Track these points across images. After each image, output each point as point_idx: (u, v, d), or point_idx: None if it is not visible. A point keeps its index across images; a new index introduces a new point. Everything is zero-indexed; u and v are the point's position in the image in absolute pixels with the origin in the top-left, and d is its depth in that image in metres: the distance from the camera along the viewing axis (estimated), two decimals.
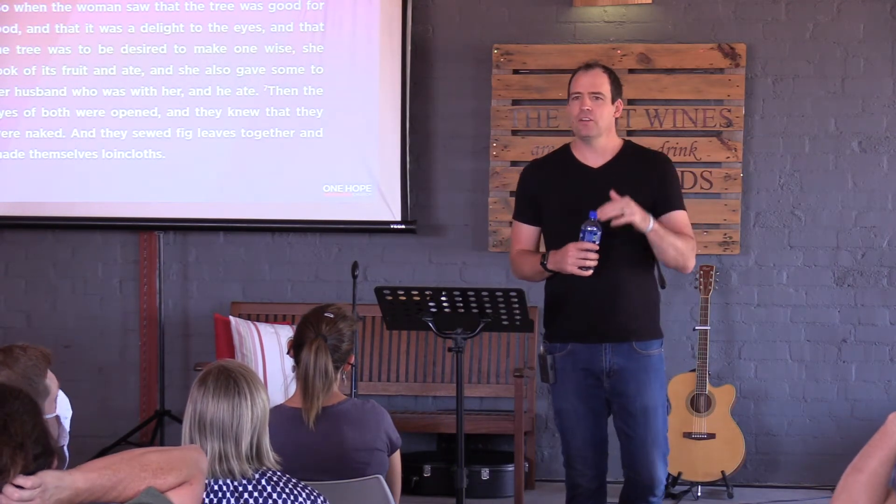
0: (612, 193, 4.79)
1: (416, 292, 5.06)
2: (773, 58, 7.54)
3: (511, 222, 7.57)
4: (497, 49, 7.62)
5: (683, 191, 5.27)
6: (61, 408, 4.13)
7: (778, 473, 7.57)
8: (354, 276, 7.08)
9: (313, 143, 7.64)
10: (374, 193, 7.60)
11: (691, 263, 4.98)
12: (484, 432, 7.35)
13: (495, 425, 7.32)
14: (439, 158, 7.77)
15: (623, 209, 4.76)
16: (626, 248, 4.87)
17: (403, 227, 7.58)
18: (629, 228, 4.82)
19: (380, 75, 7.57)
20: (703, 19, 7.57)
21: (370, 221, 7.63)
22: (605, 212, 4.76)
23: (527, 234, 5.15)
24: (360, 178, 7.61)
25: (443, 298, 5.00)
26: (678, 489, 7.15)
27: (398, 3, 7.54)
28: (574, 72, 5.10)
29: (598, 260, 4.80)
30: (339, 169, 7.63)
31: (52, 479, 2.33)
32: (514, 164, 7.65)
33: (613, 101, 5.00)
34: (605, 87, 4.97)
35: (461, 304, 5.00)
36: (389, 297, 5.07)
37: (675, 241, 4.88)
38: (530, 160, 5.42)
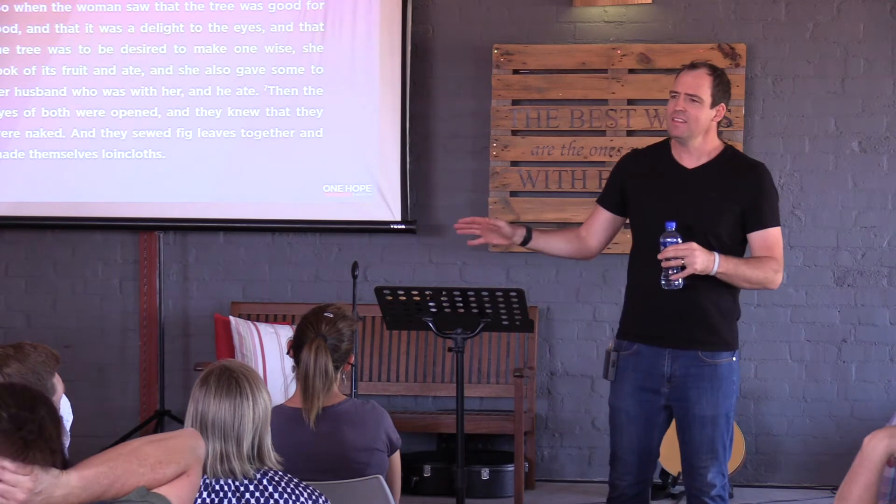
0: (680, 245, 4.65)
1: (416, 292, 5.06)
2: (773, 58, 7.54)
3: (511, 222, 7.60)
4: (497, 49, 7.62)
5: None
6: (63, 410, 4.13)
7: (778, 473, 7.57)
8: (354, 276, 7.08)
9: (313, 143, 7.64)
10: (374, 193, 7.60)
11: (773, 286, 4.90)
12: (484, 432, 7.35)
13: (495, 425, 7.32)
14: (439, 158, 7.77)
15: (685, 258, 4.63)
16: None
17: (403, 227, 7.58)
18: (707, 237, 4.73)
19: (380, 75, 7.57)
20: (703, 19, 7.57)
21: (370, 221, 7.63)
22: (667, 254, 4.64)
23: (599, 218, 5.03)
24: (360, 178, 7.61)
25: (443, 298, 5.00)
26: (678, 489, 7.15)
27: (398, 3, 7.54)
28: (682, 68, 4.97)
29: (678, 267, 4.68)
30: (339, 169, 7.63)
31: (47, 476, 2.33)
32: (514, 164, 7.65)
33: (715, 105, 4.83)
34: (705, 89, 4.80)
35: (461, 304, 5.00)
36: (389, 297, 5.07)
37: (748, 273, 4.77)
38: (632, 149, 5.25)
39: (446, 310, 5.02)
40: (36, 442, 2.32)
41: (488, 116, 7.67)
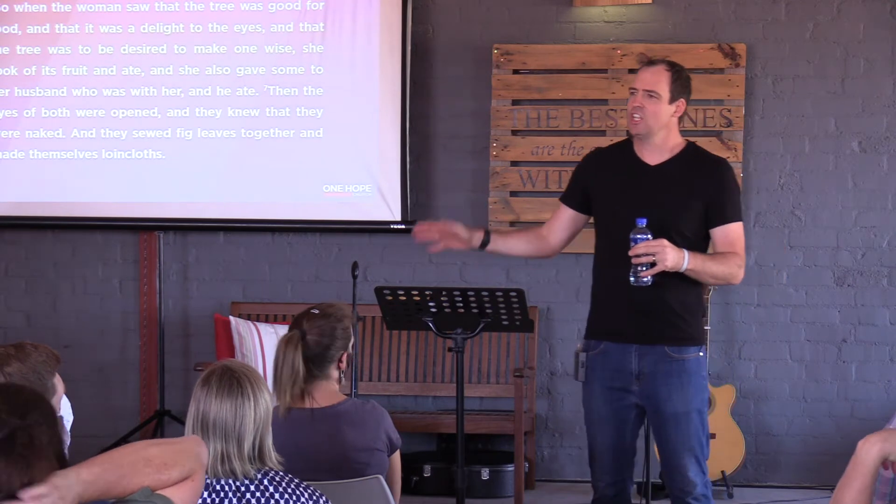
0: (651, 241, 4.65)
1: (416, 292, 5.06)
2: (773, 58, 7.55)
3: (511, 222, 7.61)
4: (497, 49, 7.62)
5: None
6: (64, 410, 4.13)
7: (778, 473, 7.57)
8: (354, 276, 7.08)
9: (313, 143, 7.64)
10: (374, 193, 7.60)
11: (736, 281, 4.90)
12: (484, 432, 7.35)
13: (495, 425, 7.32)
14: (439, 158, 7.77)
15: (656, 255, 4.63)
16: None
17: (403, 227, 7.58)
18: (671, 234, 4.74)
19: (380, 75, 7.57)
20: (703, 19, 7.58)
21: (370, 221, 7.63)
22: (637, 251, 4.63)
23: (562, 216, 5.03)
24: (360, 178, 7.61)
25: (443, 298, 5.00)
26: None
27: (398, 3, 7.54)
28: (640, 66, 5.01)
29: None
30: (339, 169, 7.63)
31: (59, 479, 2.32)
32: (514, 164, 7.66)
33: (674, 101, 4.84)
34: (663, 85, 4.82)
35: (461, 304, 5.00)
36: (389, 297, 5.07)
37: (714, 269, 4.77)
38: (594, 148, 5.29)
39: (446, 310, 5.02)
40: (35, 452, 2.30)
41: (488, 116, 7.67)
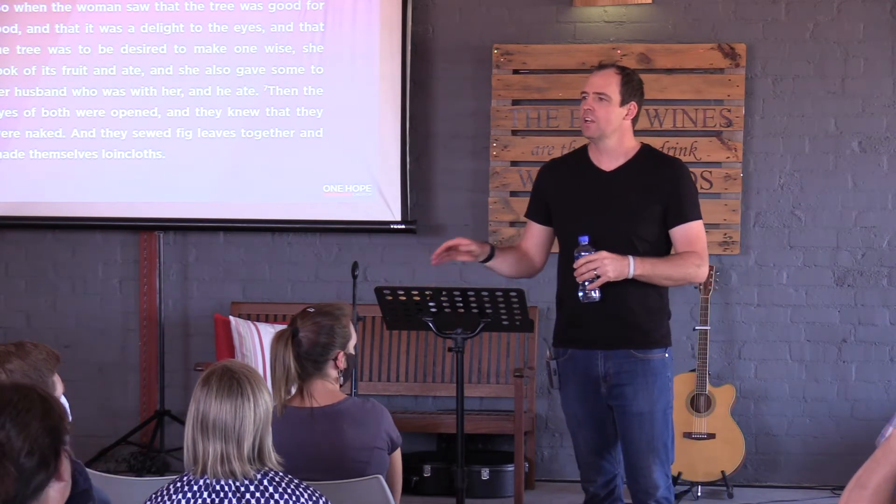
0: (589, 256, 4.70)
1: (416, 292, 5.05)
2: (773, 58, 7.55)
3: (511, 222, 7.61)
4: (497, 49, 7.62)
5: None
6: None
7: (778, 473, 7.57)
8: (354, 276, 7.07)
9: (313, 143, 7.64)
10: (374, 193, 7.60)
11: (698, 280, 4.93)
12: (484, 432, 7.35)
13: (495, 425, 7.32)
14: (439, 158, 7.77)
15: (596, 269, 4.68)
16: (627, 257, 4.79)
17: (403, 227, 7.58)
18: (631, 239, 4.77)
19: (380, 75, 7.57)
20: (703, 19, 7.58)
21: (370, 221, 7.63)
22: (578, 267, 4.68)
23: (534, 232, 5.06)
24: (360, 178, 7.61)
25: (443, 298, 5.00)
26: (678, 489, 7.15)
27: (398, 3, 7.54)
28: (591, 70, 5.03)
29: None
30: (339, 169, 7.63)
31: None
32: (514, 164, 7.66)
33: (625, 103, 4.85)
34: (613, 87, 4.83)
35: (461, 304, 5.00)
36: (389, 297, 5.07)
37: (668, 271, 4.79)
38: (548, 160, 5.34)
39: (446, 310, 5.01)
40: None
41: (488, 116, 7.67)
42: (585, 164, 4.94)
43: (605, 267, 4.68)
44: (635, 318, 4.82)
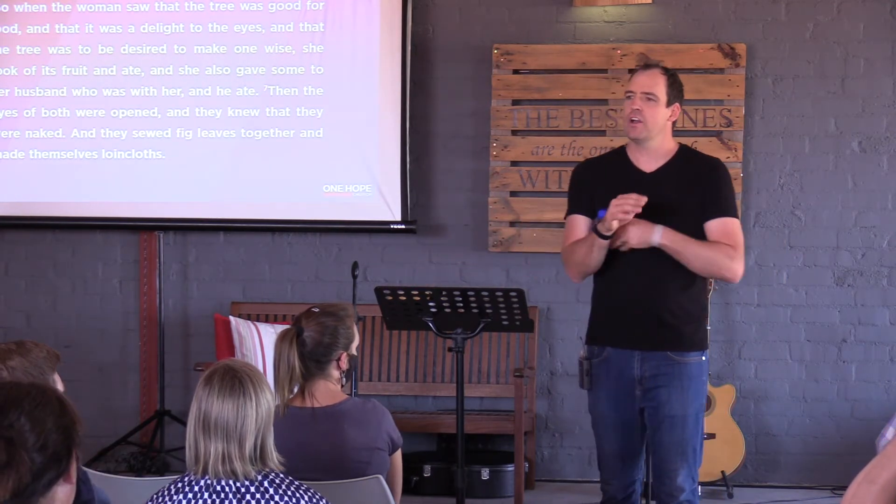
0: (624, 198, 4.66)
1: (416, 292, 5.05)
2: (773, 58, 7.55)
3: (511, 222, 7.60)
4: (497, 49, 7.62)
5: None
6: None
7: (778, 473, 7.57)
8: (354, 276, 7.08)
9: (313, 143, 7.64)
10: (374, 193, 7.60)
11: (731, 274, 4.81)
12: (484, 432, 7.35)
13: (495, 425, 7.32)
14: (439, 158, 7.77)
15: (622, 239, 4.67)
16: (669, 257, 4.73)
17: (403, 227, 7.58)
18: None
19: (380, 75, 7.57)
20: (703, 19, 7.57)
21: (370, 221, 7.63)
22: (618, 204, 4.66)
23: (584, 225, 4.90)
24: (360, 178, 7.62)
25: (443, 298, 5.00)
26: None
27: (398, 3, 7.54)
28: (633, 70, 4.98)
29: (642, 266, 4.72)
30: (339, 169, 7.63)
31: None
32: (514, 164, 7.66)
33: (670, 104, 4.83)
34: (660, 88, 4.79)
35: (461, 304, 5.00)
36: (389, 297, 5.07)
37: (698, 249, 4.74)
38: (585, 159, 5.26)
39: (446, 310, 5.02)
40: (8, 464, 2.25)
41: (488, 116, 7.67)
42: (625, 164, 4.89)
43: (628, 234, 4.67)
44: (674, 319, 4.79)
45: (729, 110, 7.51)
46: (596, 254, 4.76)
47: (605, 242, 4.72)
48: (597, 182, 4.90)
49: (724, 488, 7.19)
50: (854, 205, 7.53)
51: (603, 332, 4.87)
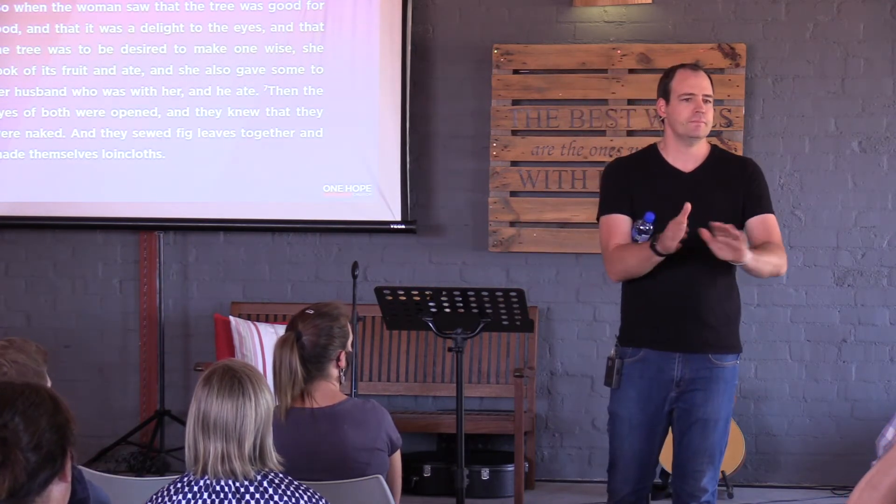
0: (723, 226, 4.58)
1: (416, 292, 5.05)
2: (773, 58, 7.55)
3: (511, 222, 7.60)
4: (497, 49, 7.62)
5: None
6: None
7: (778, 473, 7.57)
8: (354, 276, 7.08)
9: (313, 143, 7.64)
10: (374, 193, 7.60)
11: (784, 271, 4.92)
12: (484, 432, 7.35)
13: (495, 425, 7.32)
14: (439, 158, 7.77)
15: (739, 247, 4.57)
16: (710, 258, 4.66)
17: (403, 227, 7.58)
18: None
19: (380, 75, 7.57)
20: (703, 19, 7.58)
21: (370, 221, 7.63)
22: (723, 234, 4.58)
23: (626, 225, 4.83)
24: (360, 178, 7.61)
25: (443, 298, 5.00)
26: None
27: (398, 3, 7.54)
28: (671, 71, 4.88)
29: (683, 268, 4.68)
30: (339, 169, 7.63)
31: None
32: (514, 164, 7.66)
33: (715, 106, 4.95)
34: (713, 90, 4.87)
35: (461, 304, 5.00)
36: (389, 297, 5.07)
37: (770, 258, 4.76)
38: (615, 158, 5.22)
39: (446, 310, 5.02)
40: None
41: (488, 116, 7.67)
42: (662, 164, 4.87)
43: (719, 252, 4.58)
44: (716, 320, 4.78)
45: (729, 110, 7.51)
46: (649, 267, 4.74)
47: (661, 259, 4.70)
48: (636, 182, 4.86)
49: (725, 488, 7.19)
50: (854, 205, 7.53)
51: (642, 333, 4.81)
